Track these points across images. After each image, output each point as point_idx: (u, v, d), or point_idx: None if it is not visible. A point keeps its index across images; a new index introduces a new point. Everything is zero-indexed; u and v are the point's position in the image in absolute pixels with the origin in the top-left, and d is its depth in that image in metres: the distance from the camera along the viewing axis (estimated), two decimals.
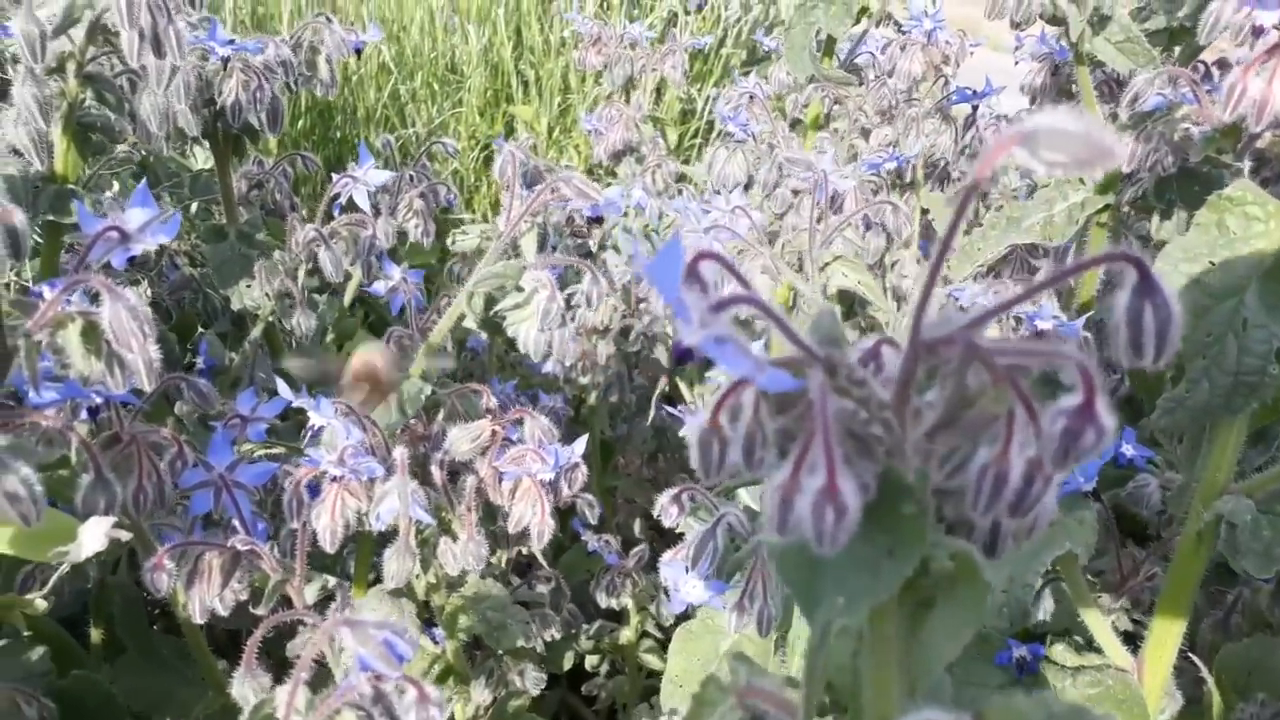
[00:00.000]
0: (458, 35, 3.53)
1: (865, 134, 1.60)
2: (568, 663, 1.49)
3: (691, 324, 0.31)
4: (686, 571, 0.88)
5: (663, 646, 1.48)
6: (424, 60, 3.43)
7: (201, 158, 2.07)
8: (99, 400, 0.87)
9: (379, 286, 1.30)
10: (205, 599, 0.90)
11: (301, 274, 1.26)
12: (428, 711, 0.63)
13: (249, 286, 1.32)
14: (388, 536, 1.04)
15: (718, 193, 1.47)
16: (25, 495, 0.63)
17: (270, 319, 1.29)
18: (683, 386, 1.74)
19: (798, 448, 0.34)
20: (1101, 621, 0.84)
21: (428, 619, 1.15)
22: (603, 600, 1.34)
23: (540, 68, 3.50)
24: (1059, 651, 0.85)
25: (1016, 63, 1.56)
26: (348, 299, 1.43)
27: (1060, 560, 0.79)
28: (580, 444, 0.98)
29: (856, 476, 0.34)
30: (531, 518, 0.98)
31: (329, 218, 1.30)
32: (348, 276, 1.35)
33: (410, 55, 3.43)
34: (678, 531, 0.96)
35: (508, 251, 1.09)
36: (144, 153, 1.60)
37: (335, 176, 1.31)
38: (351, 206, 1.31)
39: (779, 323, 0.34)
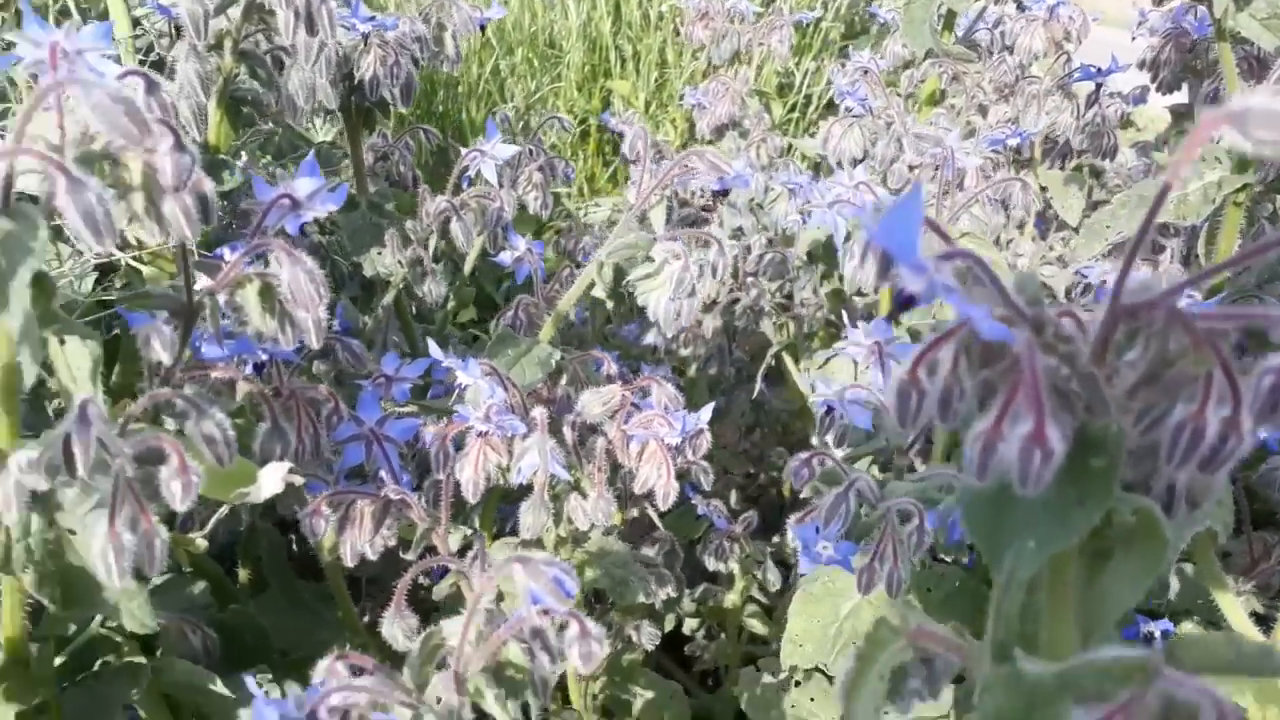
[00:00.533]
0: (557, 10, 3.58)
1: (982, 111, 1.59)
2: (668, 624, 1.53)
3: (922, 272, 0.34)
4: (817, 533, 0.91)
5: (767, 613, 1.51)
6: (524, 35, 3.49)
7: (320, 131, 2.16)
8: (264, 357, 0.94)
9: (505, 257, 1.35)
10: (357, 544, 0.96)
11: (432, 243, 1.32)
12: (589, 646, 0.67)
13: (380, 254, 1.39)
14: (510, 492, 1.10)
15: (837, 167, 1.48)
16: (220, 438, 0.69)
17: (400, 286, 1.35)
18: (788, 362, 1.77)
19: (1001, 398, 0.37)
20: (1234, 602, 0.84)
21: None
22: (710, 564, 1.38)
23: (638, 43, 3.52)
24: (1187, 630, 0.85)
25: (1134, 38, 1.53)
26: (468, 268, 1.49)
27: (1195, 539, 0.80)
28: (706, 411, 1.01)
29: (1059, 426, 0.36)
30: (656, 480, 1.02)
31: (457, 189, 1.35)
32: None
33: (510, 30, 3.49)
34: (802, 496, 0.98)
35: (630, 224, 1.13)
36: (270, 125, 1.68)
37: (463, 150, 1.36)
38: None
39: (991, 279, 0.36)
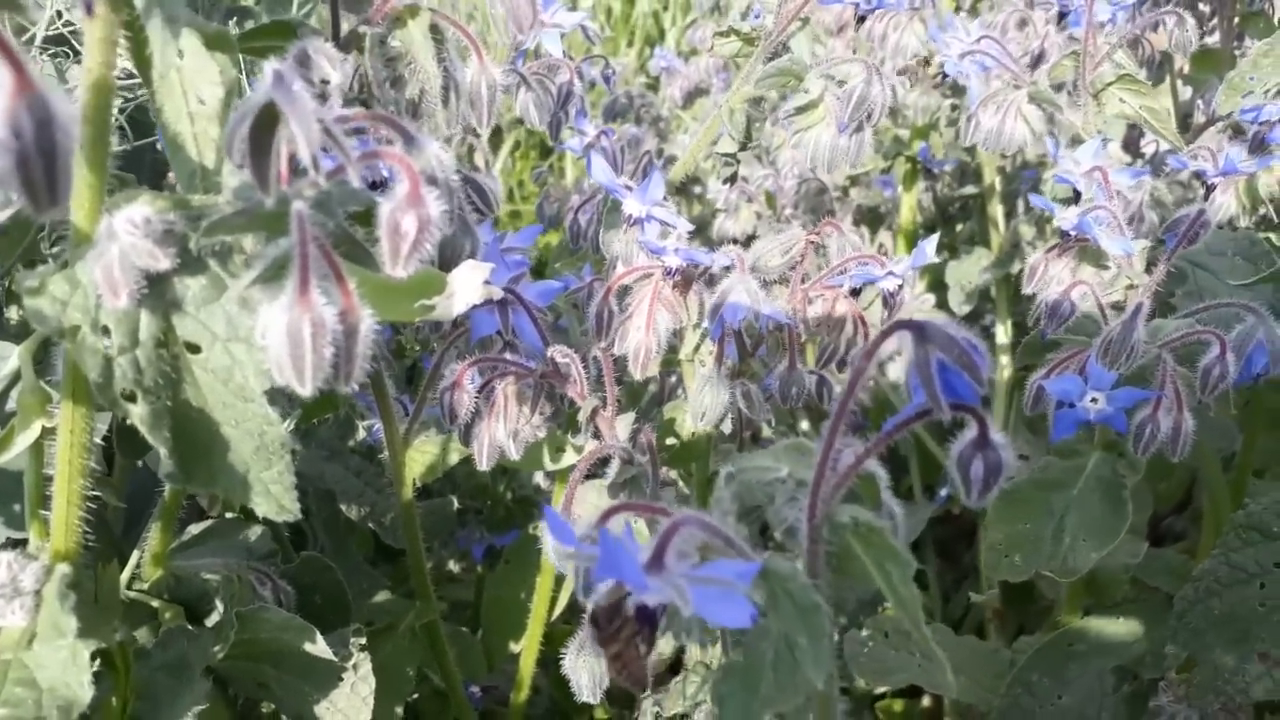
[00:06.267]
0: None
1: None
2: None
3: None
4: (1085, 383, 0.74)
5: None
6: None
7: None
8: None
9: (574, 143, 1.13)
10: (496, 436, 0.73)
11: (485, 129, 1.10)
12: None
13: None
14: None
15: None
16: (443, 177, 0.47)
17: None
18: None
19: None
20: None
21: None
22: None
23: None
24: None
25: None
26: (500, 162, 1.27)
27: None
28: (930, 244, 0.82)
29: None
30: (843, 349, 0.83)
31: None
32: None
33: None
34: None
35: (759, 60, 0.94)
36: None
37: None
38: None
39: None
